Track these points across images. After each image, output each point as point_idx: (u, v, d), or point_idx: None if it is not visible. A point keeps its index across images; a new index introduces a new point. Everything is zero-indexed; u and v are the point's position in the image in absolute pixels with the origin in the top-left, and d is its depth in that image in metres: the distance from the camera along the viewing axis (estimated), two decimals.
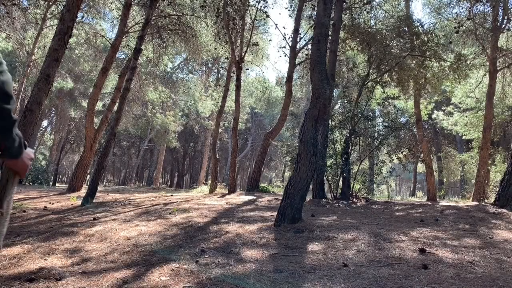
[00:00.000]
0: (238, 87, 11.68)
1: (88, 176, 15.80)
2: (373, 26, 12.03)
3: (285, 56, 13.25)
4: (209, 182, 13.31)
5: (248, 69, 17.65)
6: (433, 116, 18.07)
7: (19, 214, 5.36)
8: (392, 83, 11.59)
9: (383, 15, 12.87)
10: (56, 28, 6.35)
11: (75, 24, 6.92)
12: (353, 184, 9.08)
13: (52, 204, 7.05)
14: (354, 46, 11.23)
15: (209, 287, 2.23)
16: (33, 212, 5.69)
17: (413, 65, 10.80)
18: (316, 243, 3.49)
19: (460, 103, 15.55)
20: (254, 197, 9.02)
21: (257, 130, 32.41)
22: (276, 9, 67.36)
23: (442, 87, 14.10)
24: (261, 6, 11.92)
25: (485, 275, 2.50)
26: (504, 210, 6.25)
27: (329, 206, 7.06)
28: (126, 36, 12.29)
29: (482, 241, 3.70)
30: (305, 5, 13.29)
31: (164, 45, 13.10)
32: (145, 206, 6.83)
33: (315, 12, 7.15)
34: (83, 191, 9.62)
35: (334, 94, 14.40)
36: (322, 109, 4.77)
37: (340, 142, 9.26)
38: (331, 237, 3.72)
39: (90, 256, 2.97)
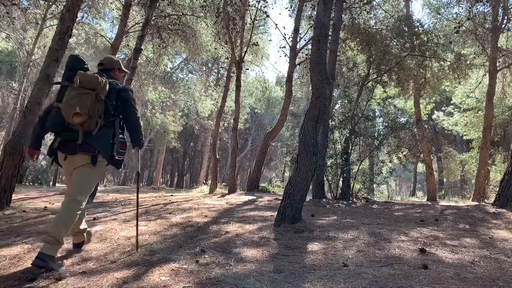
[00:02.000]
0: (238, 87, 11.68)
1: None
2: (373, 26, 12.03)
3: (285, 56, 13.27)
4: (209, 182, 13.30)
5: (248, 69, 17.65)
6: (434, 116, 18.08)
7: (19, 214, 5.35)
8: (392, 83, 11.60)
9: (383, 15, 12.88)
10: (56, 28, 6.33)
11: (75, 24, 6.91)
12: (353, 184, 9.08)
13: (52, 204, 7.04)
14: (354, 46, 11.22)
15: (209, 287, 2.23)
16: (33, 212, 5.69)
17: (412, 65, 10.80)
18: (316, 243, 3.49)
19: (460, 103, 15.55)
20: (254, 197, 9.01)
21: (257, 130, 32.39)
22: (276, 9, 67.42)
23: (442, 87, 14.11)
24: (261, 6, 11.92)
25: (485, 275, 2.50)
26: (504, 210, 6.26)
27: (329, 206, 7.06)
28: (126, 36, 12.28)
29: (482, 241, 3.70)
30: (305, 5, 13.29)
31: (164, 45, 13.10)
32: (145, 206, 6.82)
33: (315, 12, 7.15)
34: None
35: (334, 94, 14.41)
36: (322, 109, 4.76)
37: (340, 142, 9.26)
38: (331, 237, 3.72)
39: (90, 256, 2.97)
